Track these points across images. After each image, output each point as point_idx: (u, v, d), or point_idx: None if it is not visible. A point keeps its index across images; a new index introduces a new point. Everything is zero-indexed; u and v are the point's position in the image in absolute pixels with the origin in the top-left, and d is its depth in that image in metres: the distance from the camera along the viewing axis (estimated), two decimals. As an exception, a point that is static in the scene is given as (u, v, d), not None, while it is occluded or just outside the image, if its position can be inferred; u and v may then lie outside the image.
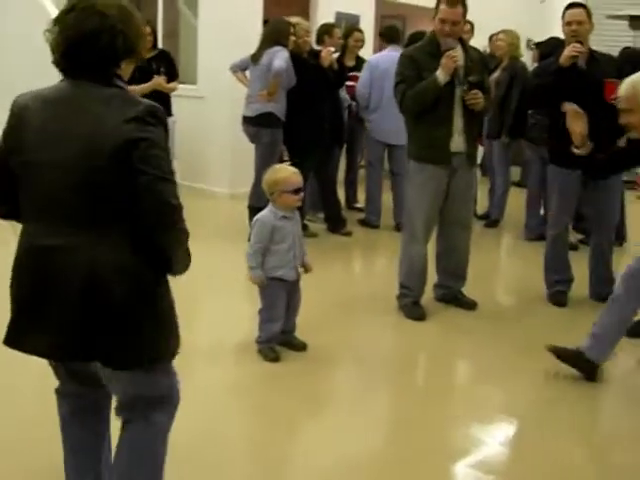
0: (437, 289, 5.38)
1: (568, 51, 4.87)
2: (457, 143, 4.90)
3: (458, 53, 4.76)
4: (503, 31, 7.93)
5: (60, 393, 2.53)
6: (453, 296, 5.31)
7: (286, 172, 4.21)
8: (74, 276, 2.13)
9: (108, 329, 2.17)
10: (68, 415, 2.52)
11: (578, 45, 4.87)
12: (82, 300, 2.13)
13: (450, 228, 5.13)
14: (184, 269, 2.27)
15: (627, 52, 6.30)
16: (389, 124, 7.21)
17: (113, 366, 2.24)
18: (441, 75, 4.70)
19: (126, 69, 2.25)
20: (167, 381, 2.43)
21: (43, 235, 2.16)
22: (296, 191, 4.13)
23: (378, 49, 8.13)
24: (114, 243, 2.15)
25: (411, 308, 5.07)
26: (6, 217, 2.36)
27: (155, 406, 2.39)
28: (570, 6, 5.07)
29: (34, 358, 2.27)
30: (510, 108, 7.55)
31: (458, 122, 4.87)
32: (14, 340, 2.25)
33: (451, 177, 4.95)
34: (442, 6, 4.74)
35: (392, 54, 7.31)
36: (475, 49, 5.16)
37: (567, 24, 5.01)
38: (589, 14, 5.02)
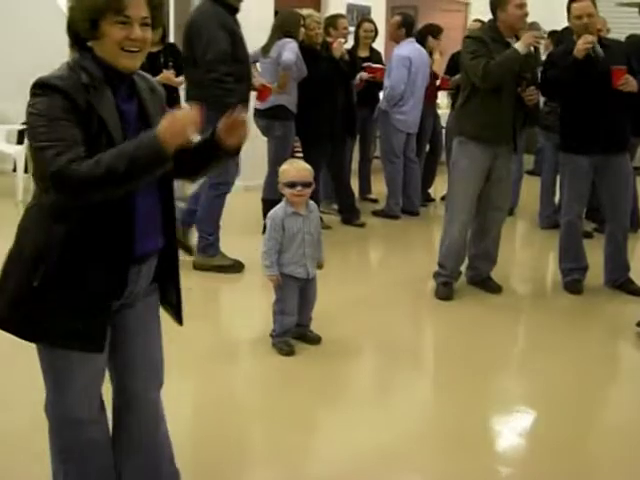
0: (467, 271, 5.49)
1: (582, 44, 4.85)
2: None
3: (541, 36, 5.02)
4: None
5: None
6: (482, 279, 5.40)
7: (287, 165, 4.20)
8: None
9: None
10: None
11: (590, 36, 4.86)
12: None
13: (487, 212, 5.28)
14: None
15: (631, 40, 6.24)
16: (416, 114, 7.46)
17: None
18: (520, 46, 4.83)
19: (100, 48, 2.17)
20: None
21: None
22: (293, 184, 4.04)
23: (390, 40, 8.07)
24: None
25: (439, 288, 5.25)
26: None
27: None
28: None
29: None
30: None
31: (510, 109, 5.05)
32: None
33: (494, 161, 5.12)
34: None
35: (417, 46, 7.47)
36: None
37: (577, 17, 4.97)
38: (594, 4, 4.99)
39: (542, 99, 7.35)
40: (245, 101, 5.31)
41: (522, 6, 4.93)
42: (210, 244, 5.51)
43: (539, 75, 5.30)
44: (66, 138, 2.06)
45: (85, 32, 2.15)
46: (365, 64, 7.47)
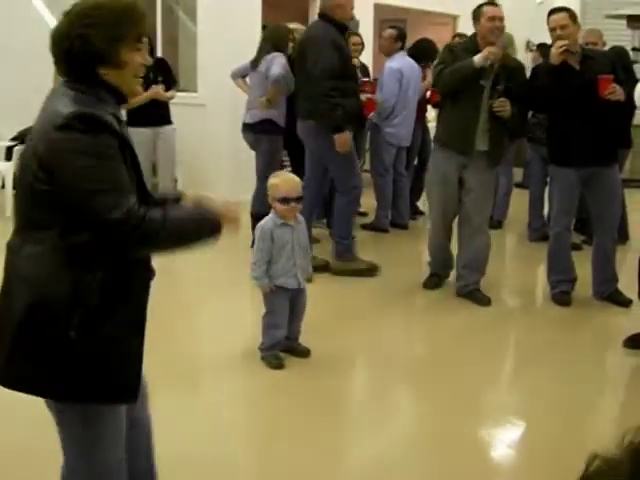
0: (456, 283, 5.55)
1: (554, 49, 4.98)
2: (479, 140, 5.17)
3: (499, 52, 5.07)
4: None
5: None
6: (470, 291, 5.41)
7: (278, 179, 4.17)
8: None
9: None
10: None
11: (561, 41, 4.95)
12: None
13: (464, 222, 5.43)
14: None
15: (615, 51, 6.31)
16: (407, 127, 7.50)
17: None
18: (476, 59, 5.00)
19: (116, 76, 2.07)
20: None
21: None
22: (286, 200, 4.04)
23: (381, 53, 8.07)
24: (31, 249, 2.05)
25: (428, 278, 5.68)
26: None
27: None
28: (552, 12, 5.16)
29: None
30: None
31: (483, 121, 5.14)
32: None
33: (462, 170, 5.25)
34: (487, 7, 5.18)
35: (408, 59, 7.52)
36: (515, 59, 5.53)
37: (552, 30, 5.10)
38: (572, 17, 5.08)
39: (530, 112, 7.43)
40: (354, 115, 5.69)
41: (494, 19, 5.11)
42: (347, 249, 5.87)
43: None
44: (123, 181, 1.97)
45: (108, 60, 2.03)
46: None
